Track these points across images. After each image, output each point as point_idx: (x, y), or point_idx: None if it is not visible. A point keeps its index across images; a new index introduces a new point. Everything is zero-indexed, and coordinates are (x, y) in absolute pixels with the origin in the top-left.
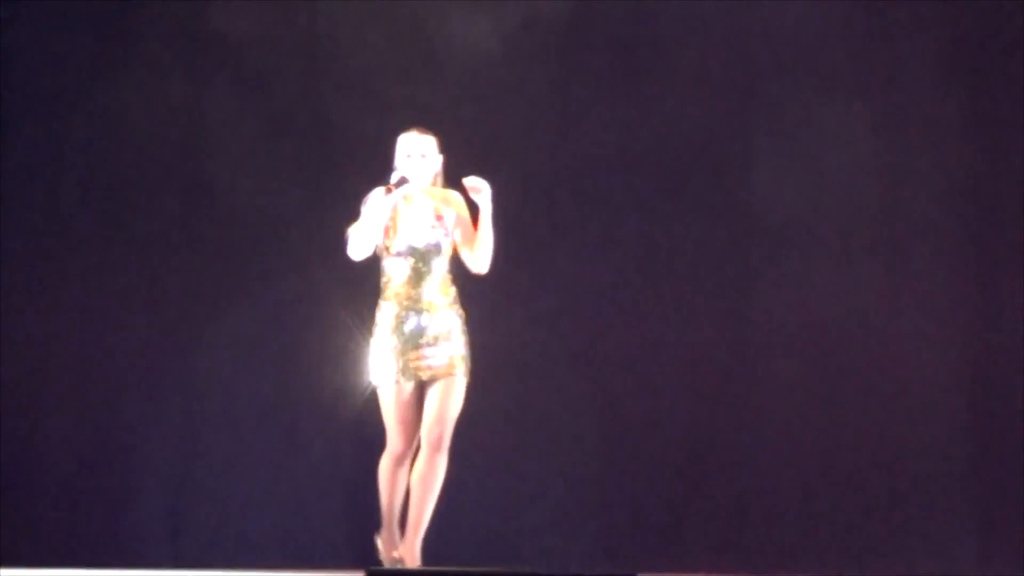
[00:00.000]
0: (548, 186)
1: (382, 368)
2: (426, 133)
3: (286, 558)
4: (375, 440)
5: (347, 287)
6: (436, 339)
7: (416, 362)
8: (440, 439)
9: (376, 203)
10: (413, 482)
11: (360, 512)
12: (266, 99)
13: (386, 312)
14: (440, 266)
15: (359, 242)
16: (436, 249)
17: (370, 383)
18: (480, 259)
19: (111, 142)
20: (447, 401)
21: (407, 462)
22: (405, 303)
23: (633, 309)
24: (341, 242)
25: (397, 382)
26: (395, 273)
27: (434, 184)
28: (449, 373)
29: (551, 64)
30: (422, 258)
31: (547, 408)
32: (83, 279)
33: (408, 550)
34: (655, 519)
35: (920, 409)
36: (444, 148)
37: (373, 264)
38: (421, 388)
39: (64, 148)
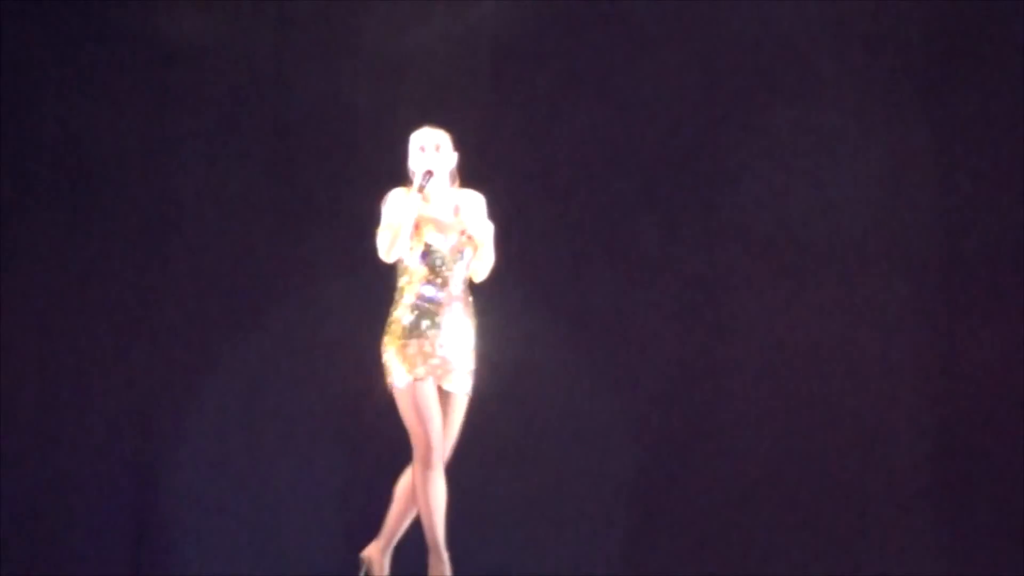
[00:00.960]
0: (535, 191)
1: (402, 370)
2: (438, 128)
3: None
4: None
5: (361, 292)
6: (454, 343)
7: (435, 362)
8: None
9: (403, 202)
10: (399, 491)
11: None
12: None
13: (402, 316)
14: (460, 269)
15: (391, 244)
16: (457, 250)
17: (390, 386)
18: (480, 268)
19: (127, 142)
20: (454, 419)
21: (440, 471)
22: (421, 308)
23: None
24: (351, 245)
25: (418, 381)
26: (413, 275)
27: (452, 181)
28: (461, 389)
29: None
30: (443, 259)
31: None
32: (84, 281)
33: (377, 555)
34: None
35: (887, 418)
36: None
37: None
38: (441, 390)
39: (79, 145)
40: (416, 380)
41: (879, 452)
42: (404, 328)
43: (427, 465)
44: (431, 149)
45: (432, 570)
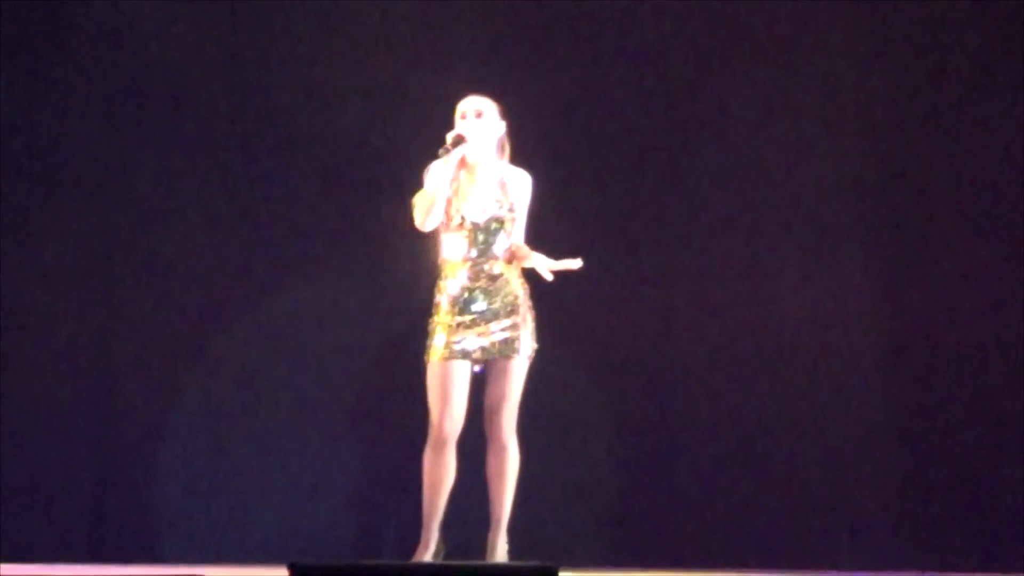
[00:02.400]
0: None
1: (433, 346)
2: (484, 96)
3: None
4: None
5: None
6: (493, 318)
7: (468, 340)
8: (498, 429)
9: (438, 169)
10: (488, 478)
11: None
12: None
13: (444, 289)
14: (502, 242)
15: (425, 211)
16: (498, 224)
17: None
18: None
19: (123, 135)
20: (502, 386)
21: (447, 451)
22: (463, 280)
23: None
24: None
25: (445, 360)
26: (455, 248)
27: (500, 153)
28: (505, 355)
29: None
30: (483, 233)
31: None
32: (84, 272)
33: (490, 547)
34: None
35: (851, 406)
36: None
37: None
38: (472, 371)
39: (69, 144)
40: (441, 360)
41: (835, 445)
42: (439, 304)
43: (433, 445)
44: (471, 116)
45: (420, 548)
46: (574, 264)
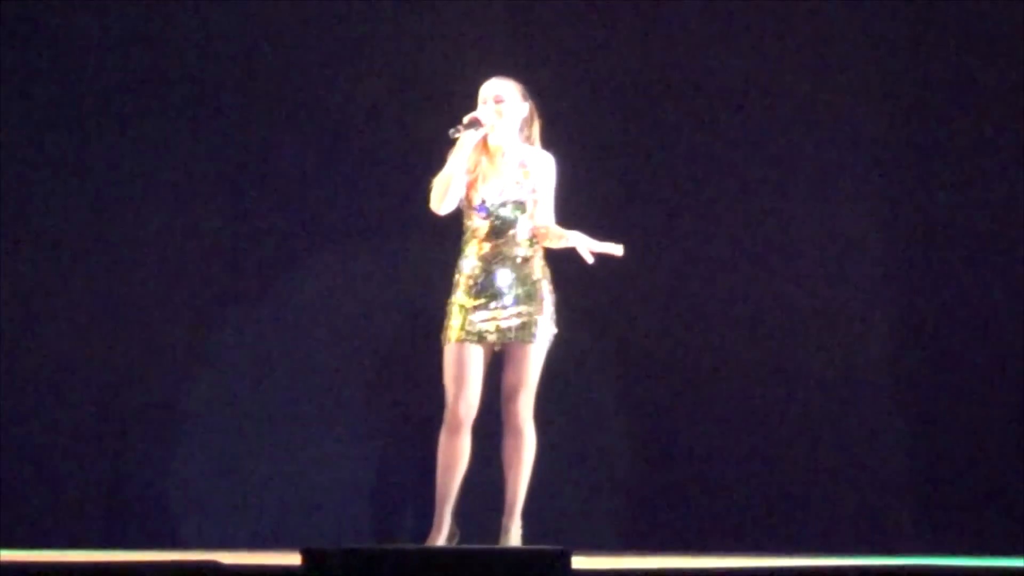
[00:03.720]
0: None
1: (449, 328)
2: (507, 79)
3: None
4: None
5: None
6: (512, 302)
7: (484, 323)
8: (515, 414)
9: (453, 153)
10: (504, 463)
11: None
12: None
13: (463, 270)
14: (524, 225)
15: (441, 194)
16: (520, 207)
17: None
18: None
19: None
20: (519, 370)
21: (462, 434)
22: (483, 263)
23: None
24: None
25: (461, 342)
26: (475, 230)
27: (526, 134)
28: (522, 339)
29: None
30: (503, 215)
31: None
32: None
33: (504, 531)
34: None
35: (858, 392)
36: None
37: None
38: (491, 354)
39: (69, 143)
40: (457, 342)
41: (849, 434)
42: (457, 285)
43: (448, 428)
44: (491, 101)
45: (433, 532)
46: (616, 249)
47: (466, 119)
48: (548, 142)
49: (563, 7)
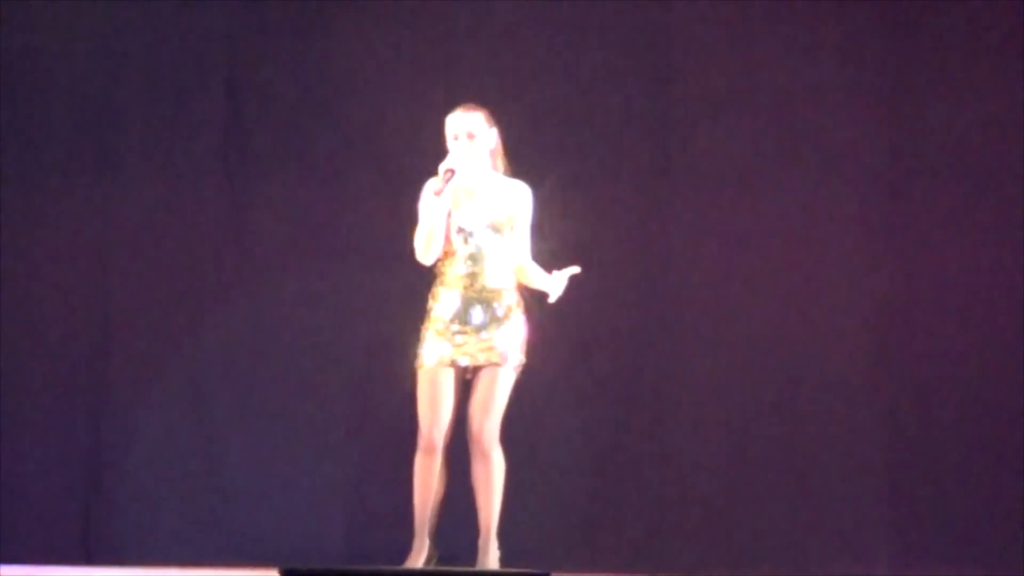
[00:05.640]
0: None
1: (423, 353)
2: (472, 110)
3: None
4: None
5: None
6: (484, 327)
7: (457, 349)
8: (479, 437)
9: (432, 204)
10: (474, 487)
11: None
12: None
13: (437, 296)
14: (499, 250)
15: (424, 246)
16: (494, 232)
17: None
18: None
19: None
20: (487, 394)
21: (436, 458)
22: (456, 288)
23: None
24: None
25: (434, 367)
26: (450, 256)
27: (494, 162)
28: (492, 362)
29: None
30: (478, 242)
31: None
32: (77, 273)
33: (481, 552)
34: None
35: (837, 407)
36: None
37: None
38: (462, 378)
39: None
40: (430, 367)
41: (826, 447)
42: (431, 311)
43: (423, 451)
44: (464, 137)
45: (412, 554)
46: (571, 271)
47: (442, 172)
48: (516, 167)
49: (536, 29)
